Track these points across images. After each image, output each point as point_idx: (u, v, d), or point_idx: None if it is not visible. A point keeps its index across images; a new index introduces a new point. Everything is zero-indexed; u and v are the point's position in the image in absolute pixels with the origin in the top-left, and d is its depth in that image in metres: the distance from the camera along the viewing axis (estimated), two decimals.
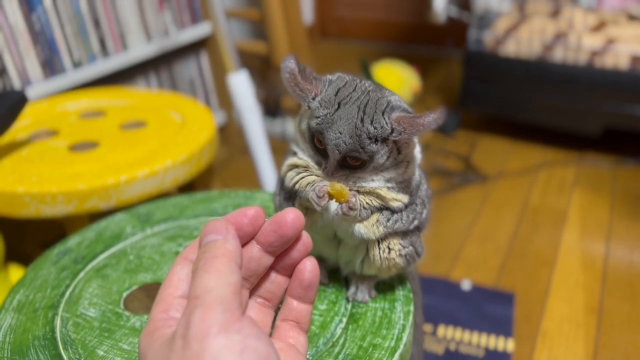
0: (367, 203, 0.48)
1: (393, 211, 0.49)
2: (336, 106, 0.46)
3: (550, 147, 1.91)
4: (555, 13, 1.92)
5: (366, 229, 0.48)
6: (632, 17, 1.85)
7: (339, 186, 0.46)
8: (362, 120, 0.45)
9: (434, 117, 0.44)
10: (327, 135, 0.46)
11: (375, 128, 0.45)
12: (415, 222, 0.51)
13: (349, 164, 0.47)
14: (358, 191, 0.48)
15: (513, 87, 1.83)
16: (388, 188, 0.48)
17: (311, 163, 0.50)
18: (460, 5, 2.11)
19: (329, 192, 0.46)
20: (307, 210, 0.50)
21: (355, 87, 0.47)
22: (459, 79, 1.94)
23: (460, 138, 2.01)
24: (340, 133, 0.45)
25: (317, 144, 0.48)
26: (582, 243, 1.45)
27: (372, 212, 0.48)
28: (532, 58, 1.78)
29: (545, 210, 1.59)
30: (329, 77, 0.49)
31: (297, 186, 0.49)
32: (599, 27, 1.79)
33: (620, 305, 1.24)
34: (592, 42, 1.71)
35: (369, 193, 0.48)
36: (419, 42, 2.88)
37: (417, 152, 0.51)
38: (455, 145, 1.96)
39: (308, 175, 0.49)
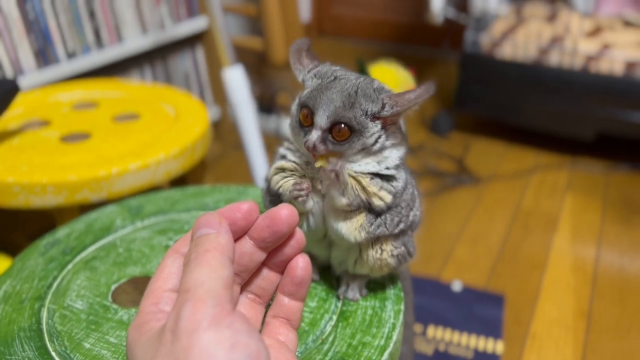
0: (352, 186, 0.47)
1: (377, 214, 0.48)
2: (332, 78, 0.46)
3: (543, 151, 1.91)
4: (552, 17, 1.93)
5: (348, 230, 0.48)
6: (627, 23, 1.86)
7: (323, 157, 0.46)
8: (356, 92, 0.45)
9: (422, 90, 0.45)
10: (318, 100, 0.45)
11: (366, 101, 0.45)
12: (401, 226, 0.49)
13: (334, 139, 0.45)
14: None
15: (508, 90, 1.84)
16: (371, 178, 0.47)
17: (299, 162, 0.49)
18: (457, 7, 2.11)
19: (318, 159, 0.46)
20: None
21: (347, 71, 0.48)
22: (455, 80, 1.95)
23: (455, 139, 2.01)
24: (333, 98, 0.45)
25: (302, 119, 0.46)
26: (573, 247, 1.45)
27: (357, 201, 0.47)
28: (528, 61, 1.78)
29: (537, 213, 1.59)
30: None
31: (281, 190, 0.49)
32: (595, 32, 1.80)
33: (609, 309, 1.25)
34: (587, 47, 1.72)
35: (353, 178, 0.47)
36: (416, 42, 2.88)
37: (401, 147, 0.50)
38: (449, 147, 1.96)
39: (292, 178, 0.49)
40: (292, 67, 0.48)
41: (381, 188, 0.47)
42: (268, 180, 0.51)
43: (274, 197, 0.51)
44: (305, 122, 0.46)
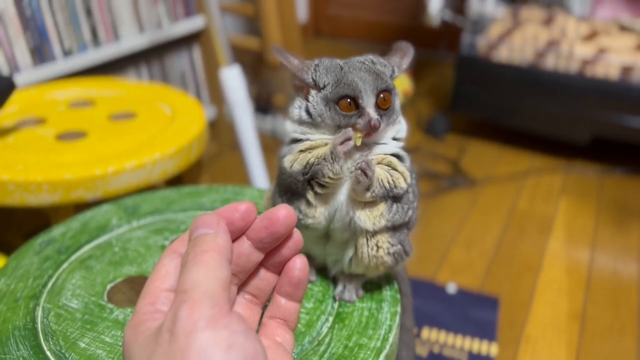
0: (381, 180, 0.47)
1: (394, 201, 0.49)
2: (339, 65, 0.48)
3: (538, 154, 1.92)
4: (548, 21, 1.94)
5: (368, 218, 0.48)
6: (623, 28, 1.87)
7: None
8: (373, 63, 0.49)
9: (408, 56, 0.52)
10: (352, 86, 0.46)
11: (383, 66, 0.49)
12: (410, 213, 0.51)
13: (381, 109, 0.48)
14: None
15: (504, 92, 1.84)
16: (398, 158, 0.49)
17: (328, 138, 0.48)
18: (454, 9, 2.12)
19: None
20: (321, 196, 0.48)
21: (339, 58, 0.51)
22: (451, 82, 1.95)
23: (450, 142, 2.02)
24: (362, 77, 0.47)
25: (343, 110, 0.47)
26: (567, 250, 1.46)
27: (381, 192, 0.47)
28: (524, 65, 1.79)
29: (532, 216, 1.60)
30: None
31: (313, 160, 0.47)
32: (591, 36, 1.80)
33: (602, 312, 1.25)
34: (583, 51, 1.72)
35: (385, 163, 0.48)
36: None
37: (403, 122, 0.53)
38: (444, 149, 1.96)
39: (323, 147, 0.48)
40: (293, 68, 0.48)
41: (404, 167, 0.49)
42: (284, 168, 0.49)
43: (290, 187, 0.49)
44: (349, 110, 0.47)
